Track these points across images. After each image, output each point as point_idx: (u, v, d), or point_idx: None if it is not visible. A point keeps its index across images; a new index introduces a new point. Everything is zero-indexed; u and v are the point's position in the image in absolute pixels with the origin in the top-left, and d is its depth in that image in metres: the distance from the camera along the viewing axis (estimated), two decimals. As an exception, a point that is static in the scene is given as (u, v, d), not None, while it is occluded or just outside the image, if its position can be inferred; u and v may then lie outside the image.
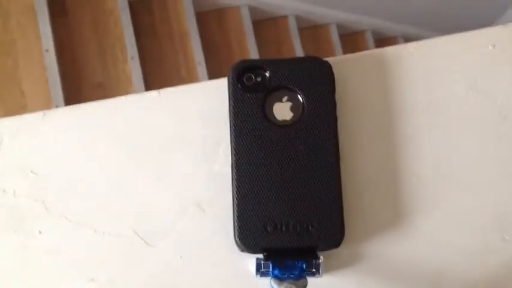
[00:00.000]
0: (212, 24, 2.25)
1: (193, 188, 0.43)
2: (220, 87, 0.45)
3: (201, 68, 2.05)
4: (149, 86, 1.95)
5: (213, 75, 2.15)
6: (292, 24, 2.46)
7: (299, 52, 2.45)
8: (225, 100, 0.43)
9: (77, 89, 1.78)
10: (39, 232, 0.42)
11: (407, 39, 3.02)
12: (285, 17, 2.46)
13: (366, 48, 2.80)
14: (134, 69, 1.85)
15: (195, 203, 0.43)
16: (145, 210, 0.42)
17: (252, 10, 2.30)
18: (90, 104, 0.43)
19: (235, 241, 0.40)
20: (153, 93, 0.47)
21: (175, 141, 0.44)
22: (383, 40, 2.96)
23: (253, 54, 2.25)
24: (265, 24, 2.45)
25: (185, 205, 0.43)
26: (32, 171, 0.42)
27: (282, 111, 0.42)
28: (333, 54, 2.63)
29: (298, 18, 2.48)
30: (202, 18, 2.21)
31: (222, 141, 0.44)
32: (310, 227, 0.40)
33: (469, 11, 2.93)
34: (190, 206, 0.43)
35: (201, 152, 0.44)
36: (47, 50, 1.66)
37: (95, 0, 1.88)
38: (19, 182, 0.42)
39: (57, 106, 1.62)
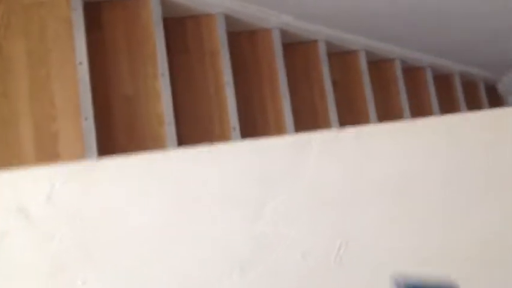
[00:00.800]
0: (243, 44, 2.26)
1: (236, 249, 0.42)
2: (270, 148, 0.44)
3: (229, 88, 2.06)
4: (177, 102, 1.96)
5: (241, 96, 2.16)
6: (322, 49, 2.46)
7: (327, 77, 2.45)
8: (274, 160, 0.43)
9: (106, 103, 1.79)
10: (83, 283, 0.41)
11: (435, 69, 3.01)
12: (315, 41, 2.46)
13: (394, 76, 2.79)
14: (164, 85, 1.86)
15: (239, 265, 0.42)
16: (188, 270, 0.42)
17: (283, 33, 2.30)
18: (143, 155, 0.43)
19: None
20: (205, 149, 0.46)
21: (224, 198, 0.43)
22: (411, 70, 2.95)
23: (282, 76, 2.26)
24: (295, 48, 2.45)
25: (228, 267, 0.42)
26: (80, 220, 0.42)
27: None
28: (360, 81, 2.62)
29: (328, 44, 2.48)
30: (233, 38, 2.22)
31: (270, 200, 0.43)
32: None
33: (491, 46, 2.92)
34: (234, 268, 0.42)
35: (247, 212, 0.43)
36: (80, 63, 1.67)
37: (130, 15, 1.90)
38: (67, 230, 0.42)
39: (86, 119, 1.63)
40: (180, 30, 2.08)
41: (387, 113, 2.75)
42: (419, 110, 2.92)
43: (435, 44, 2.80)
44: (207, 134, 2.01)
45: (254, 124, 2.19)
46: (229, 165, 0.44)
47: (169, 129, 1.83)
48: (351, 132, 0.50)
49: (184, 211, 0.41)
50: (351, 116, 2.58)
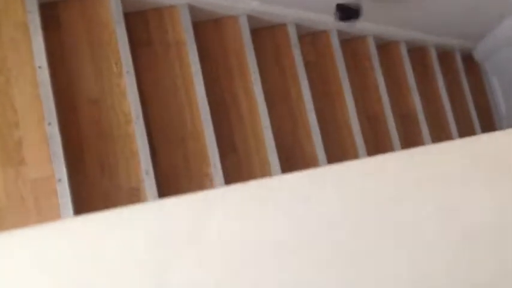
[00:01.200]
0: (210, 34, 2.23)
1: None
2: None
3: (198, 78, 2.03)
4: (145, 98, 1.93)
5: (210, 86, 2.13)
6: (292, 32, 2.43)
7: (299, 59, 2.42)
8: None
9: (71, 106, 1.76)
10: None
11: (410, 43, 2.99)
12: (284, 25, 2.43)
13: (368, 53, 2.77)
14: (129, 83, 1.83)
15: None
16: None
17: (251, 19, 2.27)
18: (38, 227, 0.41)
19: None
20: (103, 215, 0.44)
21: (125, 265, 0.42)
22: (385, 45, 2.93)
23: (252, 63, 2.23)
24: (265, 33, 2.42)
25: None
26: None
27: None
28: (333, 60, 2.60)
29: (298, 26, 2.45)
30: (199, 28, 2.19)
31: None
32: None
33: (465, 16, 2.90)
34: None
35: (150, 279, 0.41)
36: (40, 67, 1.64)
37: (88, 13, 1.86)
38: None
39: (50, 124, 1.60)
40: (143, 23, 2.04)
41: (362, 90, 2.74)
42: (395, 85, 2.90)
43: (409, 18, 2.77)
44: (178, 128, 1.99)
45: (227, 114, 2.17)
46: (129, 230, 0.42)
47: (138, 127, 1.81)
48: (258, 188, 0.48)
49: (84, 280, 0.39)
50: (325, 98, 2.56)
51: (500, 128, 3.42)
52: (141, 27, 2.03)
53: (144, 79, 1.97)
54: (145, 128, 1.85)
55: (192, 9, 2.08)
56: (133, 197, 1.73)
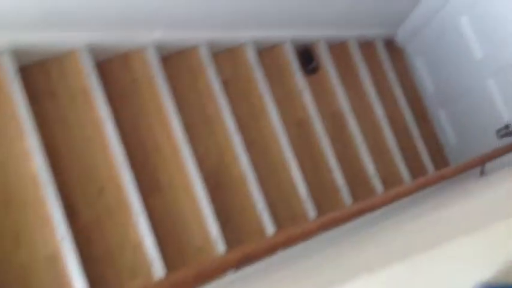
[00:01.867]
0: (118, 71, 2.16)
1: None
2: None
3: (109, 123, 1.97)
4: (54, 154, 1.87)
5: (125, 126, 2.09)
6: (204, 52, 2.38)
7: (214, 79, 2.38)
8: None
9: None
10: None
11: (330, 41, 2.99)
12: (195, 47, 2.38)
13: (286, 60, 2.75)
14: (33, 143, 1.77)
15: None
16: None
17: (159, 48, 2.21)
18: None
19: None
20: None
21: None
22: (305, 47, 2.91)
23: (165, 93, 2.18)
24: (176, 59, 2.36)
25: None
26: None
27: None
28: (252, 74, 2.57)
29: (210, 45, 2.40)
30: (105, 67, 2.12)
31: None
32: None
33: (380, 5, 2.91)
34: None
35: None
36: None
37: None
38: None
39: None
40: (44, 75, 1.96)
41: (287, 97, 2.73)
42: (319, 86, 2.90)
43: (324, 16, 2.75)
44: (94, 179, 1.93)
45: (145, 153, 2.12)
46: None
47: (48, 189, 1.75)
48: None
49: None
50: (249, 114, 2.54)
51: (430, 106, 3.48)
52: (42, 79, 1.95)
53: (51, 134, 1.90)
54: (59, 186, 1.79)
55: (93, 50, 2.01)
56: (51, 266, 1.68)
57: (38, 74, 1.95)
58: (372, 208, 1.73)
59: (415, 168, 3.15)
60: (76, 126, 1.95)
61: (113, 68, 2.15)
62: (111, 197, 1.95)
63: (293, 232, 1.55)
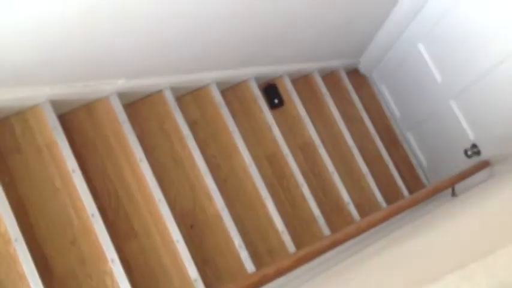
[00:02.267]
0: (83, 122, 2.16)
1: None
2: None
3: (77, 175, 1.97)
4: (23, 211, 1.85)
5: (94, 176, 2.08)
6: (169, 96, 2.40)
7: (182, 122, 2.40)
8: None
9: None
10: None
11: (293, 75, 3.03)
12: (160, 91, 2.40)
13: (252, 96, 2.78)
14: (1, 203, 1.75)
15: None
16: None
17: (123, 96, 2.22)
18: None
19: None
20: None
21: None
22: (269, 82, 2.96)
23: (133, 140, 2.19)
24: (141, 104, 2.38)
25: None
26: None
27: None
28: (219, 112, 2.59)
29: (174, 89, 2.43)
30: (70, 118, 2.12)
31: None
32: None
33: (339, 39, 2.97)
34: None
35: None
36: None
37: None
38: None
39: None
40: (8, 131, 1.95)
41: (256, 133, 2.75)
42: (288, 119, 2.94)
43: (286, 54, 2.80)
44: (65, 230, 1.91)
45: (117, 200, 2.11)
46: None
47: (19, 246, 1.73)
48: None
49: None
50: (219, 150, 2.55)
51: (398, 130, 3.53)
52: (6, 135, 1.94)
53: (19, 190, 1.89)
54: (30, 242, 1.77)
55: (56, 103, 2.01)
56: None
57: (2, 130, 1.93)
58: (345, 239, 1.75)
59: (390, 191, 3.18)
60: (44, 180, 1.94)
61: (78, 119, 2.15)
62: (84, 247, 1.93)
63: (268, 271, 1.55)
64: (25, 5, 1.36)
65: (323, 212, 2.70)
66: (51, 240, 1.88)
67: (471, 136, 2.64)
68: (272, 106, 2.89)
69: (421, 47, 2.74)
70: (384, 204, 3.03)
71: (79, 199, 1.95)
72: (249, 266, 2.28)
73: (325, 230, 2.66)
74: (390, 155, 3.33)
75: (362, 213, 2.87)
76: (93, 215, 1.94)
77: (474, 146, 2.61)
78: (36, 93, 1.92)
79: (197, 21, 1.88)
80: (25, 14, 1.40)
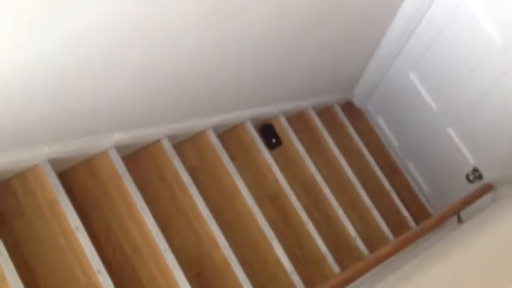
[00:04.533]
0: (83, 178, 2.15)
1: None
2: None
3: (80, 232, 1.95)
4: (28, 270, 1.83)
5: (98, 231, 2.06)
6: (167, 144, 2.41)
7: (181, 169, 2.40)
8: None
9: None
10: None
11: (288, 113, 3.04)
12: (158, 140, 2.40)
13: (249, 137, 2.79)
14: (4, 265, 1.73)
15: None
16: None
17: (121, 148, 2.22)
18: None
19: None
20: None
21: None
22: (264, 123, 2.97)
23: (134, 192, 2.18)
24: (140, 155, 2.38)
25: None
26: None
27: None
28: (218, 156, 2.59)
29: (171, 137, 2.43)
30: (70, 175, 2.12)
31: None
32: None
33: (339, 74, 3.00)
34: None
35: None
36: None
37: None
38: None
39: None
40: (9, 193, 1.94)
41: (257, 174, 2.75)
42: (287, 158, 2.94)
43: (279, 93, 2.82)
44: (72, 289, 1.89)
45: (123, 255, 2.08)
46: None
47: (25, 308, 1.70)
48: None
49: None
50: (221, 196, 2.54)
51: (398, 159, 3.53)
52: (7, 198, 1.93)
53: (24, 250, 1.87)
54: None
55: (55, 161, 2.00)
56: None
57: (4, 193, 1.93)
58: (355, 276, 1.73)
59: (396, 222, 3.16)
60: (48, 240, 1.92)
61: (78, 175, 2.15)
62: (92, 306, 1.90)
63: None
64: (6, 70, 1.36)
65: (330, 248, 2.68)
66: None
67: (471, 161, 2.63)
68: (270, 146, 2.89)
69: (412, 75, 2.76)
70: (391, 235, 3.00)
71: (84, 256, 1.93)
72: (260, 311, 2.25)
73: (334, 267, 2.63)
74: (392, 185, 3.33)
75: (370, 246, 2.84)
76: (99, 271, 1.91)
77: (475, 170, 2.60)
78: (35, 154, 1.92)
79: (188, 68, 1.90)
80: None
